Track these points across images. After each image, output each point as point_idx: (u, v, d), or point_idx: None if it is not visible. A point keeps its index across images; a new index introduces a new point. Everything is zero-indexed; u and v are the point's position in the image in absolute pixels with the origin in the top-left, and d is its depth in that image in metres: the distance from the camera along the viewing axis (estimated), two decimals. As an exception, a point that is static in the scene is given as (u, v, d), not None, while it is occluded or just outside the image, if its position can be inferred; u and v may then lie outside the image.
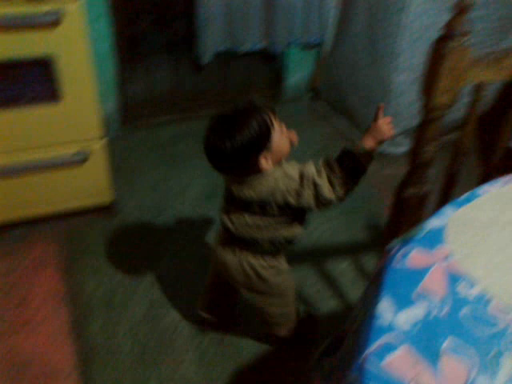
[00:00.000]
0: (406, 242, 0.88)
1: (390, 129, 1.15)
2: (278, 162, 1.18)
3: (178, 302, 1.71)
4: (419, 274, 0.81)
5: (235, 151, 1.11)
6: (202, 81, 2.66)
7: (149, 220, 2.05)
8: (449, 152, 1.29)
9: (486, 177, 1.31)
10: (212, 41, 2.46)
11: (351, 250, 1.96)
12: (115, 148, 2.34)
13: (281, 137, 1.16)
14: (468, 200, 0.99)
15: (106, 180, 1.91)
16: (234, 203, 1.25)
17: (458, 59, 0.85)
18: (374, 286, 0.87)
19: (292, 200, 1.17)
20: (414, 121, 2.43)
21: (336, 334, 1.06)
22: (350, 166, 1.13)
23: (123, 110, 2.54)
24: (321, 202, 1.15)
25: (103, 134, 1.81)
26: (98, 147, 1.81)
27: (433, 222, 0.92)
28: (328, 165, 1.15)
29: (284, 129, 1.18)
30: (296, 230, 1.28)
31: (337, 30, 2.59)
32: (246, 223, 1.24)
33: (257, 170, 1.15)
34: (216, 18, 2.40)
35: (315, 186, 1.13)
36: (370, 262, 1.90)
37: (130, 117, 2.59)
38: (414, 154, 1.00)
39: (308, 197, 1.15)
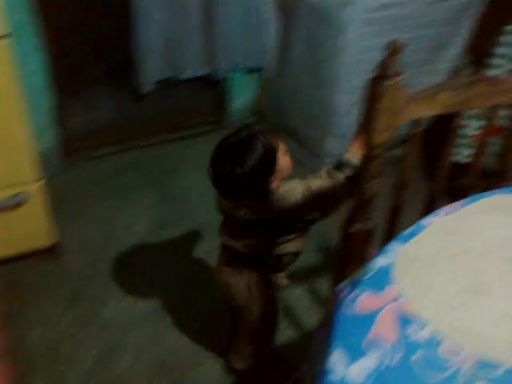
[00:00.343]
0: (354, 285, 0.86)
1: None
2: (283, 180, 1.22)
3: (130, 346, 1.64)
4: (369, 319, 0.79)
5: (246, 177, 1.13)
6: (144, 110, 2.61)
7: (95, 259, 1.97)
8: (393, 168, 1.30)
9: (432, 198, 1.32)
10: (152, 69, 2.42)
11: (305, 274, 1.95)
12: (56, 184, 2.24)
13: (284, 156, 1.21)
14: (413, 234, 0.98)
15: (46, 221, 1.82)
16: (241, 227, 1.27)
17: (393, 98, 0.84)
18: (325, 331, 0.85)
19: (301, 214, 1.23)
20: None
21: (294, 379, 1.03)
22: (348, 173, 1.20)
23: (63, 143, 2.45)
24: (328, 211, 1.22)
25: (40, 174, 1.73)
26: (35, 189, 1.72)
27: (380, 261, 0.90)
28: (330, 175, 1.21)
29: (285, 147, 1.23)
30: (302, 243, 1.33)
31: (278, 53, 2.60)
32: (256, 243, 1.27)
33: (267, 191, 1.19)
34: (155, 47, 2.36)
35: (322, 197, 1.19)
36: (324, 285, 1.89)
37: (71, 150, 2.50)
38: (358, 190, 0.99)
39: (315, 208, 1.21)
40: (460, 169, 2.30)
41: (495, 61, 1.99)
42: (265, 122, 2.75)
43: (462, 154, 2.19)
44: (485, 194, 1.10)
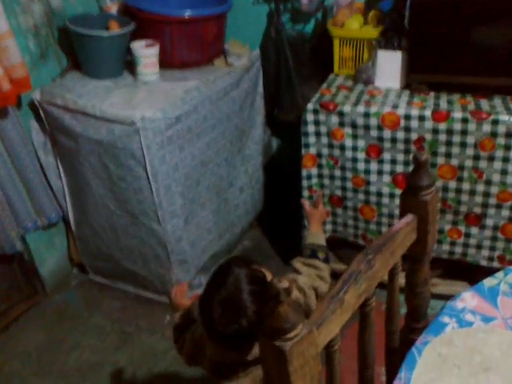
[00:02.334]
0: None
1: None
2: None
3: None
4: None
5: (255, 322, 1.02)
6: None
7: None
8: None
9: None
10: None
11: None
12: None
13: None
14: None
15: None
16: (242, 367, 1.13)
17: (305, 350, 0.58)
18: None
19: None
20: (204, 256, 2.22)
21: None
22: (323, 256, 1.25)
23: None
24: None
25: None
26: None
27: None
28: (309, 266, 1.22)
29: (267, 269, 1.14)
30: None
31: (74, 199, 2.20)
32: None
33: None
34: None
35: (314, 289, 1.18)
36: None
37: None
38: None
39: (313, 303, 1.18)
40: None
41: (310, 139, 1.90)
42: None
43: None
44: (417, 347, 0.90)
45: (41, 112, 2.05)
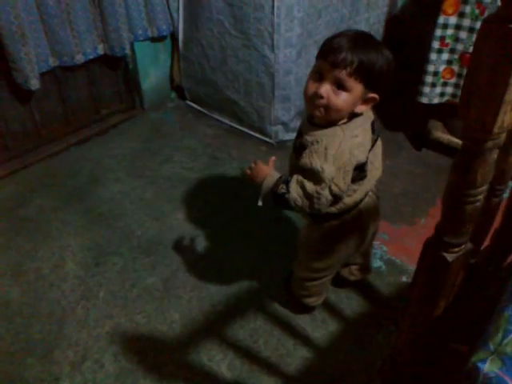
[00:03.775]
0: None
1: None
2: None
3: None
4: None
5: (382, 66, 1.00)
6: (36, 112, 2.05)
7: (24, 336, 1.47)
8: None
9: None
10: (33, 59, 1.86)
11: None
12: None
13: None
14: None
15: None
16: None
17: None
18: None
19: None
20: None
21: None
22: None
23: None
24: None
25: None
26: None
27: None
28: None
29: None
30: None
31: (188, 12, 2.13)
32: None
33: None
34: (29, 31, 1.80)
35: None
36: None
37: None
38: (454, 205, 0.63)
39: None
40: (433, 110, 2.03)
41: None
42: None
43: (434, 92, 1.91)
44: None
45: None
